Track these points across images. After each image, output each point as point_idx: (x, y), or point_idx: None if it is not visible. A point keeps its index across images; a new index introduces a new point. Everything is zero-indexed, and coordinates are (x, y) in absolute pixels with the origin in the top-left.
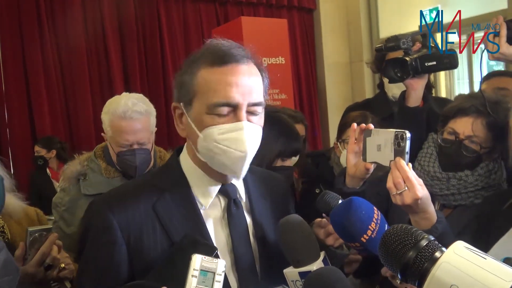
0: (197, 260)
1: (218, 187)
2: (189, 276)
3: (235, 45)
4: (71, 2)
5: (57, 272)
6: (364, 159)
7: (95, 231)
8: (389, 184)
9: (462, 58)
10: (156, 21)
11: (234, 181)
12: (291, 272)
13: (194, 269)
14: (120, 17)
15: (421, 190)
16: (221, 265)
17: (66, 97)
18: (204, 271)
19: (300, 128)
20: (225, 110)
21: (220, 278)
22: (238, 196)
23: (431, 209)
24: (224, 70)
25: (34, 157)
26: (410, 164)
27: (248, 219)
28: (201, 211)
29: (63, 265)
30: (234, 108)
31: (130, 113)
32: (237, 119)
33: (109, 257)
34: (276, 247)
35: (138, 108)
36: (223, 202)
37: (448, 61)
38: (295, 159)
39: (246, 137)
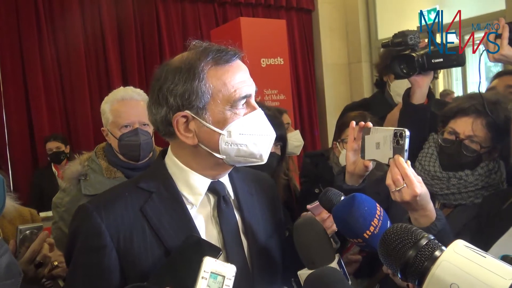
0: (208, 263)
1: (207, 185)
2: (199, 278)
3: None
4: (69, 1)
5: (49, 270)
6: (363, 157)
7: (83, 237)
8: (388, 181)
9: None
10: (155, 22)
11: (221, 179)
12: (305, 274)
13: (204, 271)
14: (118, 16)
15: (420, 187)
16: (231, 269)
17: (64, 96)
18: (214, 274)
19: (285, 117)
20: (243, 102)
21: (229, 283)
22: (227, 193)
23: (430, 206)
24: (232, 67)
25: (55, 153)
26: (409, 162)
27: (237, 216)
28: (191, 210)
29: (56, 263)
30: (247, 99)
31: (130, 94)
32: (252, 108)
33: (98, 263)
34: (266, 244)
35: (138, 91)
36: (212, 199)
37: (455, 58)
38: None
39: (267, 120)
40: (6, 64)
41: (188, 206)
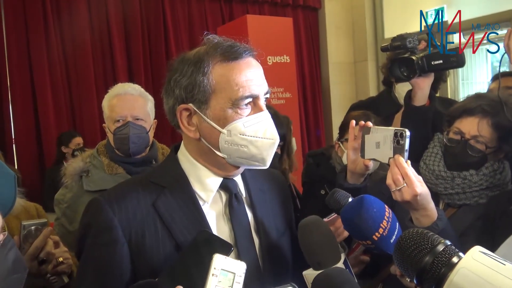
0: (218, 260)
1: (219, 182)
2: (210, 275)
3: (233, 40)
4: None
5: (54, 267)
6: (362, 156)
7: (95, 231)
8: (389, 180)
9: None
10: (161, 19)
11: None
12: (311, 275)
13: (214, 268)
14: (125, 13)
15: (420, 187)
16: (242, 267)
17: (70, 93)
18: (224, 271)
19: None
20: (246, 102)
21: (240, 280)
22: (238, 190)
23: (431, 206)
24: (240, 64)
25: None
26: (409, 162)
27: (249, 214)
28: (203, 206)
29: (61, 259)
30: (254, 99)
31: (125, 90)
32: (258, 109)
33: (110, 257)
34: (277, 242)
35: (134, 87)
36: (224, 197)
37: (455, 59)
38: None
39: (272, 124)
40: (13, 61)
41: (200, 202)
